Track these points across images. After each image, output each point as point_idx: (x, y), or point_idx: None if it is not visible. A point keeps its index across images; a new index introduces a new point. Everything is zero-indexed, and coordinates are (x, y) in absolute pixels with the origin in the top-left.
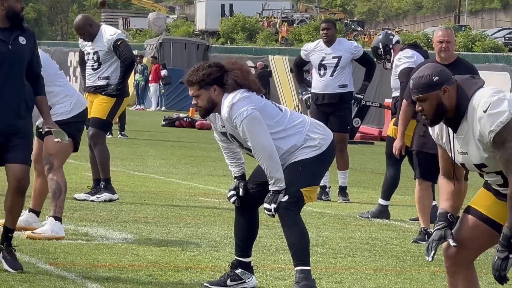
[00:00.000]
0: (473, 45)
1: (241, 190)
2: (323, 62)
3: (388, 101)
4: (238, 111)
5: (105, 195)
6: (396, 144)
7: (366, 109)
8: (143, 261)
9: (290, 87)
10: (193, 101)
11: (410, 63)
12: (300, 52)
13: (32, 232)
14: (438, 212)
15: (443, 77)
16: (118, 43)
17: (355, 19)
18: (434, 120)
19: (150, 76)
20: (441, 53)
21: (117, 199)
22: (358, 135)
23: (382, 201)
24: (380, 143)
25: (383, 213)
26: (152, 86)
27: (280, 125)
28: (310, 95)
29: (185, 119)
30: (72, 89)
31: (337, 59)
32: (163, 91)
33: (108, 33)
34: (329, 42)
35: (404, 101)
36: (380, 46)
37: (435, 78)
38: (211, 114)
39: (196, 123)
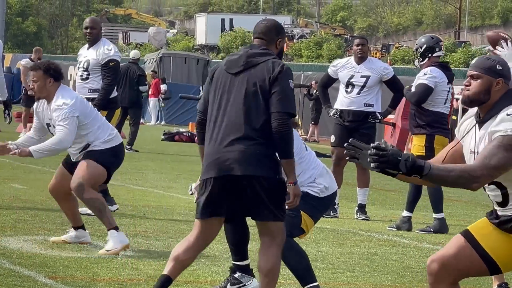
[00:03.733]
0: None
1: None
2: (351, 80)
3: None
4: None
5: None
6: None
7: None
8: (143, 275)
9: None
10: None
11: (430, 81)
12: (300, 68)
13: (106, 250)
14: None
15: (505, 72)
16: (111, 64)
17: (355, 34)
18: (472, 100)
19: (150, 90)
20: None
21: (117, 209)
22: None
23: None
24: None
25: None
26: (152, 101)
27: (303, 161)
28: (335, 110)
29: (185, 133)
30: None
31: (365, 78)
32: (163, 105)
33: (106, 46)
34: (362, 58)
35: None
36: (423, 48)
37: (499, 67)
38: None
39: (196, 138)
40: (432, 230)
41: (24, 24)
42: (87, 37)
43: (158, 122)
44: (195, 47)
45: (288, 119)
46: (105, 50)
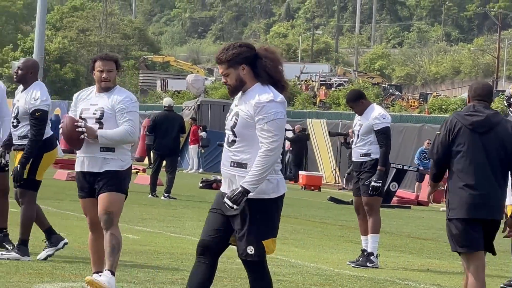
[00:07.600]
0: None
1: None
2: (354, 129)
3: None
4: (273, 109)
5: (13, 254)
6: None
7: (403, 173)
8: None
9: (328, 150)
10: (223, 80)
11: None
12: (338, 116)
13: (94, 279)
14: None
15: None
16: (37, 114)
17: (393, 83)
18: None
19: (190, 137)
20: None
21: (28, 260)
22: (395, 199)
23: None
24: (417, 208)
25: None
26: (192, 148)
27: None
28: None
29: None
30: None
31: (359, 127)
32: (203, 151)
33: (35, 95)
34: (359, 114)
35: None
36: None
37: None
38: None
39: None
40: None
41: (62, 71)
42: (15, 77)
43: (196, 169)
44: None
45: None
46: (31, 100)
